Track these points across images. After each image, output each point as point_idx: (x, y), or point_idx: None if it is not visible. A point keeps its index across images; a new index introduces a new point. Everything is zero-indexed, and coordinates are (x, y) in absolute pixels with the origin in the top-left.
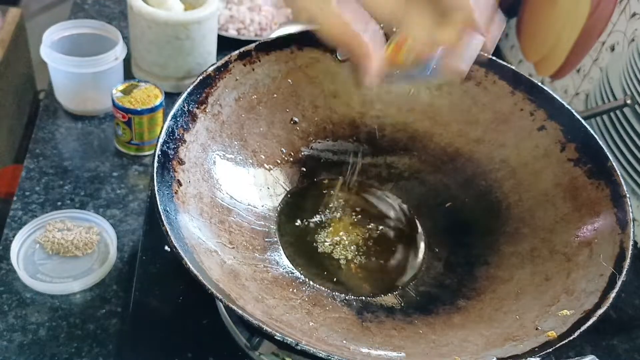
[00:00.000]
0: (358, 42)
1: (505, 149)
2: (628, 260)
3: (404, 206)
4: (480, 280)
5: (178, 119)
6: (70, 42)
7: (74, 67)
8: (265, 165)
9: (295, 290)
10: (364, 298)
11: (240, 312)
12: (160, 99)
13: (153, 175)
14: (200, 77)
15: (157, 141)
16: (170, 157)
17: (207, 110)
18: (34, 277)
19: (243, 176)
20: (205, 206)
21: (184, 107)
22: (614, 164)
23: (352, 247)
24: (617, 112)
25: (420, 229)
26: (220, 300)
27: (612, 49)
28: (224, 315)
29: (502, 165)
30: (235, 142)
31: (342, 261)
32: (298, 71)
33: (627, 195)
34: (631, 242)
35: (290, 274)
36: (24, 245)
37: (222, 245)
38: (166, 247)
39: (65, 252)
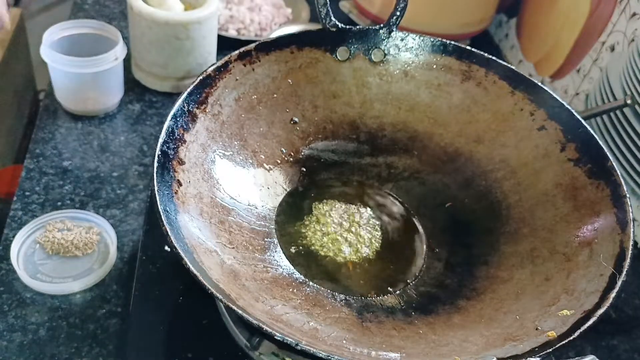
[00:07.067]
0: None
1: (505, 149)
2: (628, 260)
3: (404, 206)
4: (480, 280)
5: (178, 119)
6: (70, 42)
7: (74, 67)
8: (265, 165)
9: (295, 290)
10: (364, 298)
11: (240, 312)
12: None
13: (153, 175)
14: (200, 77)
15: (157, 141)
16: (170, 157)
17: (207, 110)
18: (34, 277)
19: (243, 176)
20: (205, 206)
21: (184, 107)
22: (614, 164)
23: (352, 247)
24: (617, 112)
25: (420, 229)
26: (220, 300)
27: (612, 49)
28: (224, 315)
29: (502, 165)
30: (235, 142)
31: (342, 261)
32: (298, 71)
33: (627, 195)
34: (631, 242)
35: (290, 274)
36: (24, 245)
37: (222, 245)
38: (166, 247)
39: (65, 252)
